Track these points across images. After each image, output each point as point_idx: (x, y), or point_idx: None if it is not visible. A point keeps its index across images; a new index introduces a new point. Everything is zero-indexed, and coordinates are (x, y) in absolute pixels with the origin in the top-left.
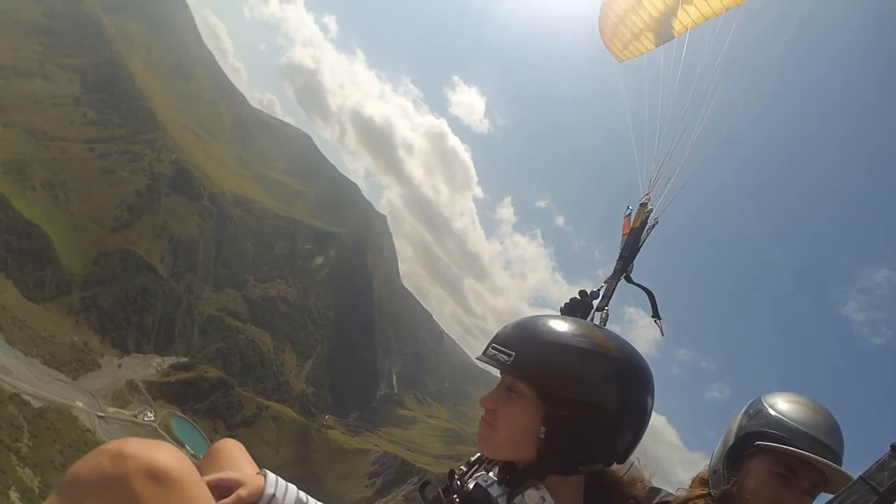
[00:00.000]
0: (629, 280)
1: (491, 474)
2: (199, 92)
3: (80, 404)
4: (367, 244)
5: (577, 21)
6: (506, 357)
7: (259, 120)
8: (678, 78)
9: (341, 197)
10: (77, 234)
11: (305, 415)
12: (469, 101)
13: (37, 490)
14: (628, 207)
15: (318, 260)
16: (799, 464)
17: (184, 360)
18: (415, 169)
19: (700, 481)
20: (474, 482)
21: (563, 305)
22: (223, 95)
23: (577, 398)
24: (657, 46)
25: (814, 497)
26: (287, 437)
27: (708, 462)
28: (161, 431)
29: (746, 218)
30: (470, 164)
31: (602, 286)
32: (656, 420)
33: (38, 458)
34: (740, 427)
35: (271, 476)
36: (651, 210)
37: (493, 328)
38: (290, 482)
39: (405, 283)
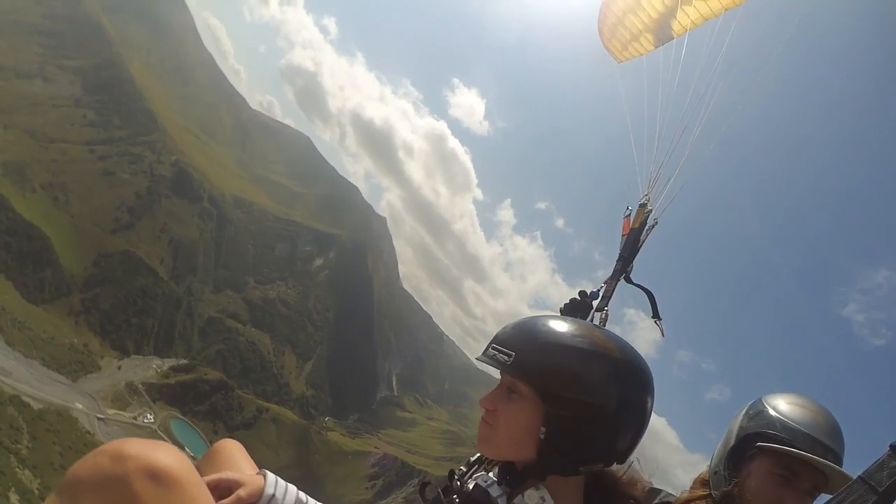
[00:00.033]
0: (629, 280)
1: (491, 475)
2: (199, 94)
3: (79, 406)
4: (367, 246)
5: (577, 22)
6: (506, 357)
7: (259, 122)
8: (677, 79)
9: (341, 199)
10: (77, 235)
11: (305, 417)
12: (469, 104)
13: (36, 492)
14: (628, 208)
15: (318, 262)
16: (800, 465)
17: (184, 361)
18: (415, 171)
19: (701, 482)
20: (474, 482)
21: (562, 306)
22: (223, 97)
23: (577, 398)
24: (656, 47)
25: (814, 498)
26: (287, 439)
27: (708, 463)
28: (161, 433)
29: (746, 218)
30: (470, 166)
31: (602, 287)
32: (656, 421)
33: (38, 459)
34: (741, 428)
35: (271, 476)
36: (651, 210)
37: (493, 330)
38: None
39: (405, 285)
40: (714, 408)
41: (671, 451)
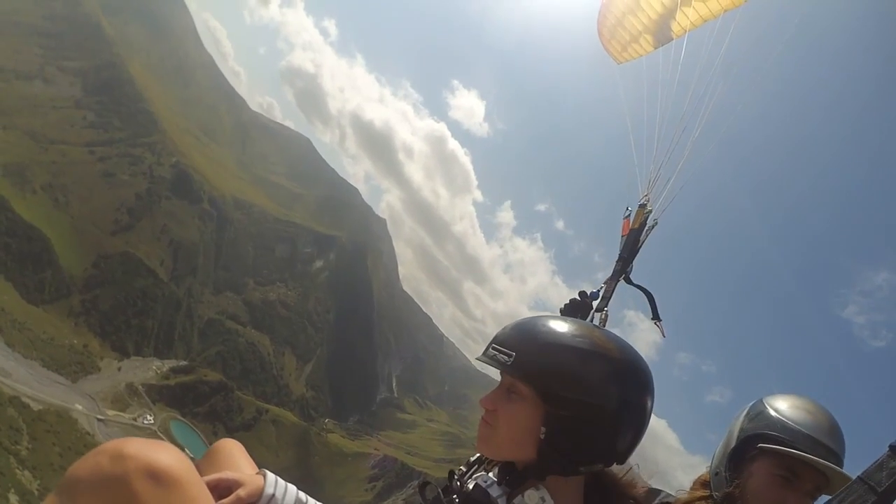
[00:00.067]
0: (628, 281)
1: (490, 475)
2: (199, 95)
3: (79, 407)
4: (367, 248)
5: (577, 24)
6: (506, 357)
7: (259, 123)
8: (677, 79)
9: (341, 200)
10: (77, 236)
11: (305, 418)
12: (469, 105)
13: (36, 493)
14: (627, 208)
15: (318, 263)
16: (801, 466)
17: (183, 363)
18: (414, 172)
19: (701, 483)
20: (474, 482)
21: (562, 306)
22: (223, 99)
23: (577, 398)
24: (656, 48)
25: (815, 499)
26: (287, 441)
27: (708, 465)
28: (160, 435)
29: (746, 219)
30: (470, 167)
31: (601, 287)
32: (657, 424)
33: (38, 460)
34: (742, 429)
35: (270, 476)
36: (650, 211)
37: (493, 332)
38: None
39: (405, 287)
40: (714, 410)
41: (671, 453)
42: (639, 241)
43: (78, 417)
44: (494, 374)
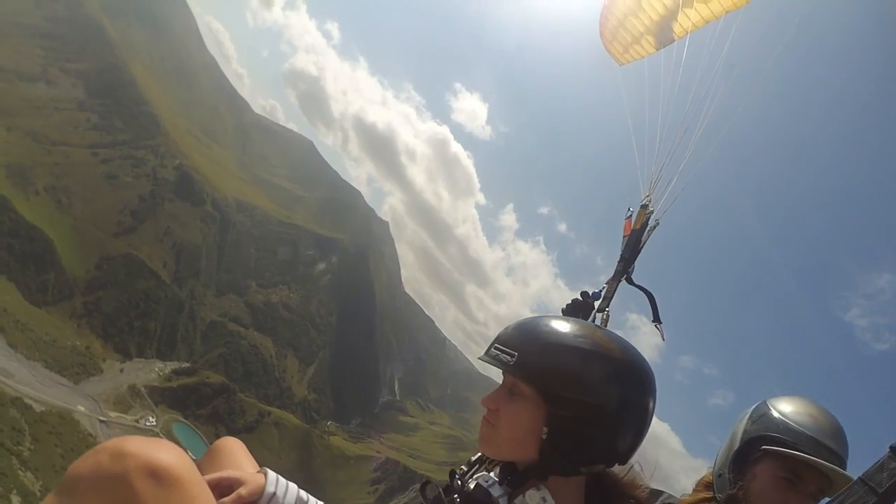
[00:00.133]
0: (630, 282)
1: (492, 474)
2: (202, 97)
3: (81, 408)
4: (369, 250)
5: (578, 25)
6: (508, 357)
7: (262, 126)
8: (678, 81)
9: (343, 203)
10: (80, 238)
11: (307, 421)
12: (471, 108)
13: (38, 494)
14: (629, 209)
15: (321, 266)
16: (805, 468)
17: (186, 365)
18: (417, 175)
19: (704, 485)
20: (475, 482)
21: (564, 306)
22: (226, 101)
23: (578, 398)
24: (658, 50)
25: (818, 501)
26: (289, 444)
27: (711, 467)
28: (163, 437)
29: (749, 221)
30: (472, 170)
31: (603, 287)
32: (659, 427)
33: (40, 462)
34: (745, 431)
35: (272, 474)
36: (652, 211)
37: (495, 335)
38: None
39: (407, 290)
40: (717, 413)
41: (674, 457)
42: (640, 241)
43: (80, 419)
44: (497, 376)
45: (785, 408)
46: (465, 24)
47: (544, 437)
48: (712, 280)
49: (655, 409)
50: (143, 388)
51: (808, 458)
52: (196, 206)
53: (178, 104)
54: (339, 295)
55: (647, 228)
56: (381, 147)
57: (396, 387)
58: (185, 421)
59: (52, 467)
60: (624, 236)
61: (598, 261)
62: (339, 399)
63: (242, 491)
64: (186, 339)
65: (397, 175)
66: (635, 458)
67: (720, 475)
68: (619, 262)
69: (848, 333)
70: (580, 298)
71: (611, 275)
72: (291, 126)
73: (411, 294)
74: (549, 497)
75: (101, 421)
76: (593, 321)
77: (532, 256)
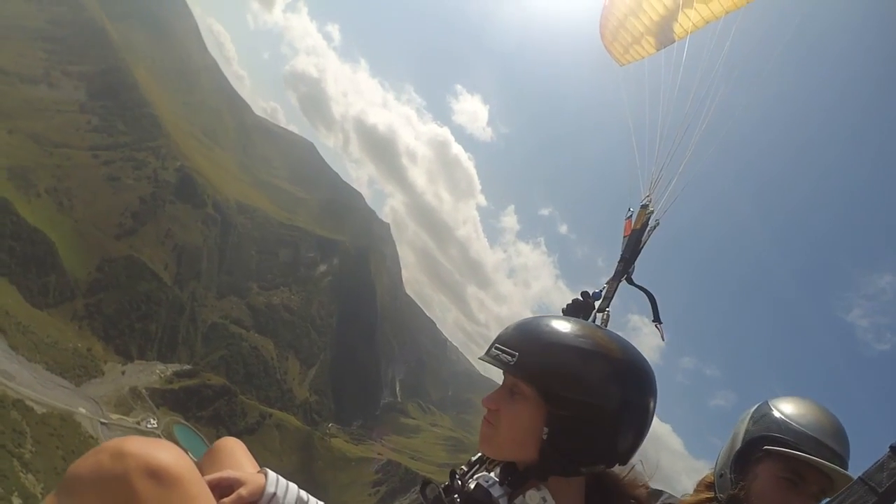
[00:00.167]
0: (630, 282)
1: (492, 474)
2: (203, 100)
3: (83, 411)
4: (370, 252)
5: (579, 26)
6: (509, 357)
7: (262, 128)
8: (678, 81)
9: (344, 205)
10: (81, 240)
11: (309, 423)
12: (472, 110)
13: (39, 496)
14: (629, 209)
15: (322, 268)
16: (806, 468)
17: (187, 367)
18: (418, 177)
19: (706, 485)
20: (475, 482)
21: (564, 306)
22: (227, 103)
23: (578, 399)
24: (658, 50)
25: (820, 502)
26: (290, 446)
27: (713, 467)
28: (164, 439)
29: (750, 222)
30: (473, 172)
31: (603, 287)
32: (661, 428)
33: (41, 464)
34: (747, 431)
35: (272, 475)
36: (652, 211)
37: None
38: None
39: (408, 291)
40: (719, 414)
41: (676, 458)
42: (641, 241)
43: (81, 421)
44: (498, 378)
45: (786, 408)
46: (465, 26)
47: (545, 437)
48: (713, 281)
49: (656, 410)
50: (144, 391)
51: (810, 459)
52: (197, 208)
53: (179, 106)
54: (341, 296)
55: (648, 228)
56: (381, 149)
57: (397, 388)
58: (186, 423)
59: (53, 469)
60: (624, 236)
61: (600, 262)
62: (341, 401)
63: (243, 491)
64: (187, 341)
65: (398, 177)
66: (636, 458)
67: (722, 475)
68: (619, 262)
69: (849, 334)
70: (580, 298)
71: (611, 275)
72: (292, 128)
73: (412, 295)
74: (549, 497)
75: (102, 423)
76: (593, 321)
77: (533, 258)
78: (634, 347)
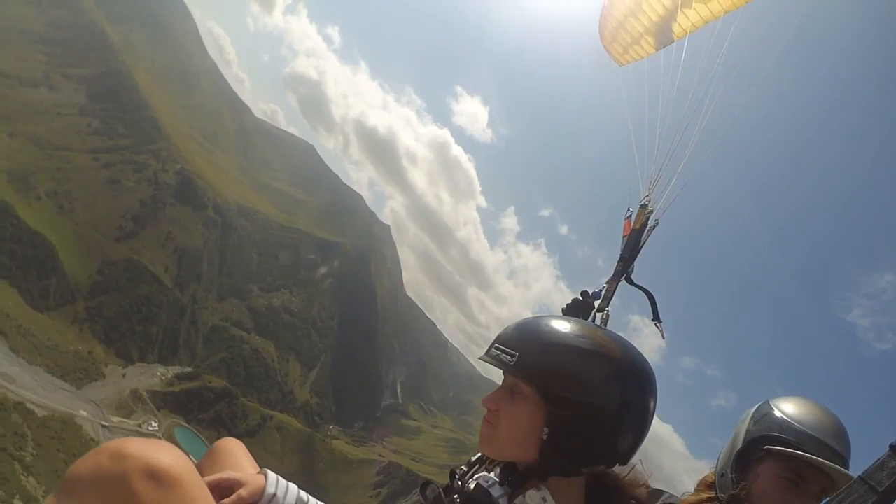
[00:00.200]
0: (630, 281)
1: (492, 475)
2: (203, 102)
3: (84, 413)
4: (371, 253)
5: (578, 27)
6: (508, 358)
7: (262, 130)
8: (677, 81)
9: (344, 206)
10: (81, 243)
11: (310, 425)
12: (472, 111)
13: (40, 499)
14: (629, 209)
15: (322, 270)
16: (807, 468)
17: (188, 369)
18: (418, 178)
19: (706, 485)
20: (475, 482)
21: (564, 306)
22: (227, 106)
23: (579, 399)
24: (657, 50)
25: (821, 501)
26: (291, 447)
27: (714, 467)
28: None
29: (750, 222)
30: (473, 173)
31: (603, 287)
32: (663, 429)
33: (43, 466)
34: (748, 431)
35: (272, 475)
36: (651, 211)
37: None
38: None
39: (409, 293)
40: (720, 414)
41: (677, 458)
42: (640, 241)
43: (82, 424)
44: (499, 380)
45: (787, 408)
46: (465, 27)
47: (545, 437)
48: (714, 281)
49: (656, 410)
50: (145, 393)
51: (811, 458)
52: (197, 210)
53: (179, 109)
54: (341, 298)
55: (647, 228)
56: (382, 151)
57: (398, 390)
58: (187, 425)
59: (54, 472)
60: (623, 236)
61: (600, 262)
62: (342, 403)
63: (243, 492)
64: (188, 344)
65: (398, 178)
66: (636, 458)
67: (723, 475)
68: (618, 261)
69: (850, 333)
70: (580, 298)
71: (611, 275)
72: (292, 130)
73: (413, 297)
74: (549, 497)
75: (103, 426)
76: (593, 321)
77: (533, 259)
78: (634, 347)
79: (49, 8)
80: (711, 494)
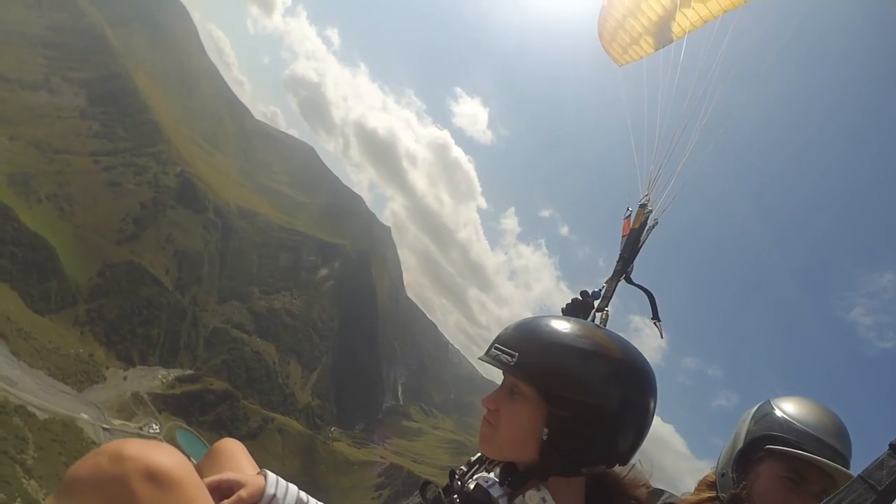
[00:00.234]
0: (629, 281)
1: (492, 475)
2: (204, 105)
3: (85, 416)
4: (371, 255)
5: (577, 27)
6: (508, 358)
7: (263, 132)
8: (677, 81)
9: (345, 208)
10: (82, 246)
11: (311, 427)
12: (472, 112)
13: (42, 502)
14: (628, 209)
15: (323, 271)
16: (808, 468)
17: (189, 372)
18: (418, 180)
19: (707, 484)
20: (475, 482)
21: (564, 306)
22: (227, 108)
23: (579, 399)
24: (656, 50)
25: (821, 501)
26: (293, 450)
27: (715, 466)
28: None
29: (750, 223)
30: (473, 174)
31: (602, 287)
32: (664, 429)
33: (44, 470)
34: (749, 431)
35: (272, 476)
36: (651, 211)
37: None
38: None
39: (409, 294)
40: (721, 414)
41: (679, 458)
42: (639, 240)
43: (84, 426)
44: (499, 381)
45: (788, 407)
46: (464, 28)
47: (545, 437)
48: (714, 281)
49: (657, 410)
50: (146, 396)
51: (812, 458)
52: (198, 213)
53: (179, 111)
54: (342, 300)
55: (646, 228)
56: (382, 152)
57: (400, 392)
58: (188, 428)
59: (55, 475)
60: (623, 236)
61: (601, 262)
62: (343, 405)
63: (243, 493)
64: (189, 346)
65: (399, 180)
66: (637, 458)
67: (723, 475)
68: (618, 261)
69: (850, 332)
70: (580, 298)
71: (611, 275)
72: (292, 132)
73: (414, 299)
74: (549, 497)
75: (104, 429)
76: (593, 321)
77: (534, 260)
78: (634, 347)
79: (49, 11)
80: (712, 494)
